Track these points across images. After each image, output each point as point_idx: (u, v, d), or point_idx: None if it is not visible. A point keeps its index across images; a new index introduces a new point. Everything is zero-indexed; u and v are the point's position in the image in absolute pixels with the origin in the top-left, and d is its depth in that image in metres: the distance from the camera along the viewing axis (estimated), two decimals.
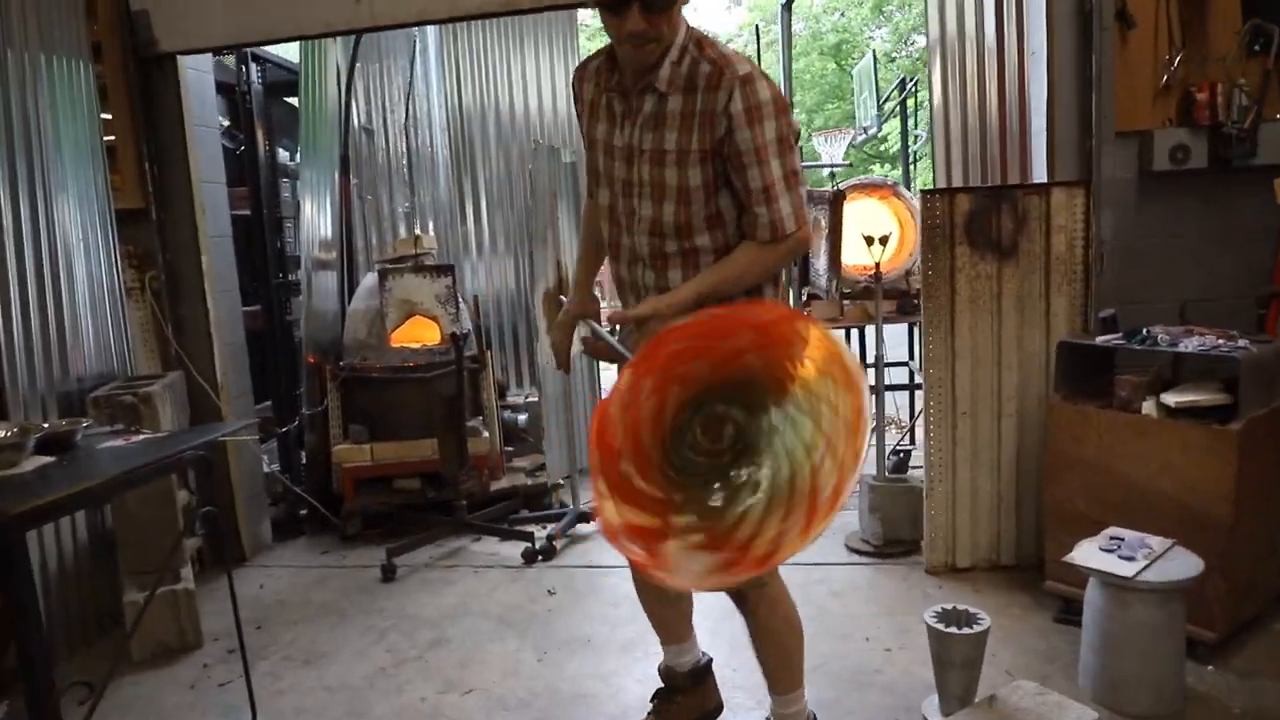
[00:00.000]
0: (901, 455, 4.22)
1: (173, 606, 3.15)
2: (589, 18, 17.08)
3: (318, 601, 3.59)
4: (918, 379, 4.80)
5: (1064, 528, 2.93)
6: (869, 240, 3.69)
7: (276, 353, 4.95)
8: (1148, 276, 3.32)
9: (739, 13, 19.81)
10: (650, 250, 1.98)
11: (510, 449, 4.94)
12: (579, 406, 4.77)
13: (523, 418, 5.02)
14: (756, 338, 1.36)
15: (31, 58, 3.13)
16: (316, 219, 4.70)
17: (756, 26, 11.96)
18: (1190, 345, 2.78)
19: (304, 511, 4.43)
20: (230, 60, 4.71)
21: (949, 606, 2.48)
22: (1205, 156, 3.19)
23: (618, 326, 1.98)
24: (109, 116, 3.62)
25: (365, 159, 5.04)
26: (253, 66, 4.65)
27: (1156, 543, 2.54)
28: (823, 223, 4.10)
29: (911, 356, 5.25)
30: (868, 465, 3.73)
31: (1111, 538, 2.59)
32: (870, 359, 3.93)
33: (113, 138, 3.62)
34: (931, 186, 3.64)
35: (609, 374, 6.14)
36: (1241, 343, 2.74)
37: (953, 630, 2.39)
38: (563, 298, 4.09)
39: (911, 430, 4.99)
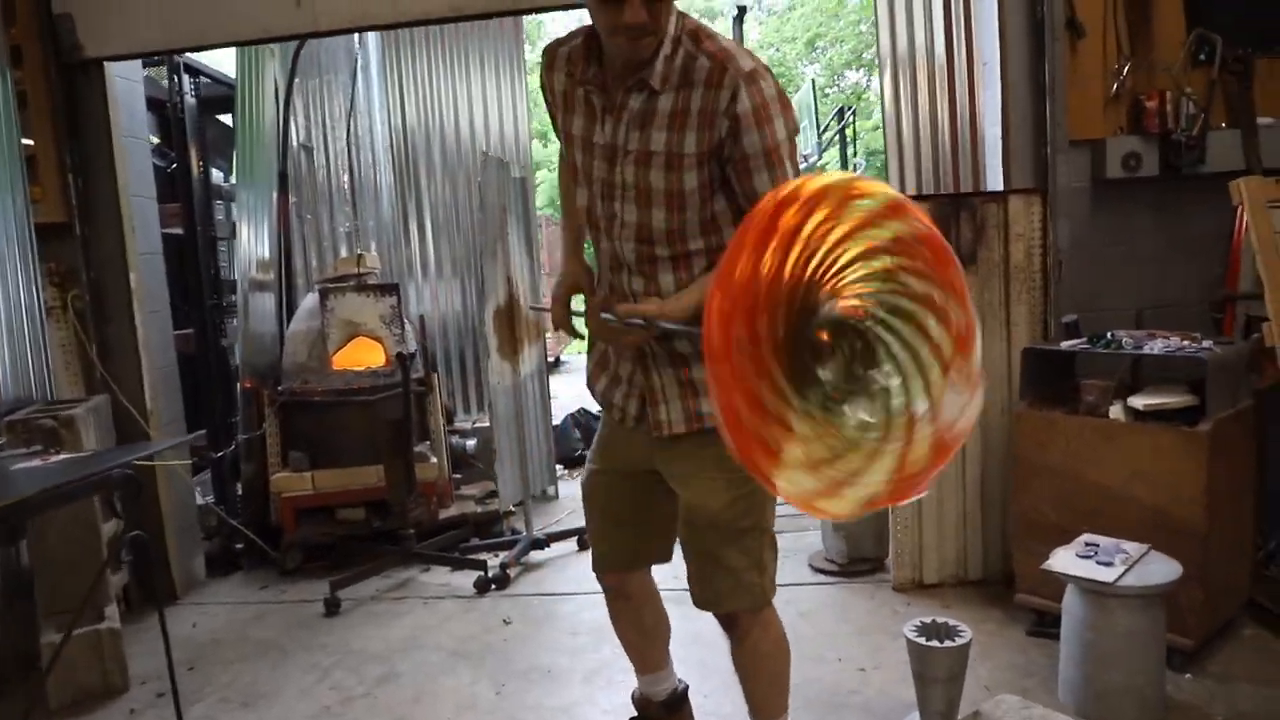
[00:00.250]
0: None
1: (96, 647, 2.90)
2: (539, 29, 17.14)
3: (256, 639, 3.36)
4: None
5: (1034, 538, 2.87)
6: None
7: (211, 379, 4.70)
8: (1104, 284, 3.33)
9: None
10: (637, 256, 1.80)
11: (459, 476, 4.76)
12: (530, 428, 4.62)
13: (471, 443, 4.85)
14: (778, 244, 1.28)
15: None
16: (253, 240, 4.51)
17: None
18: (1155, 348, 2.76)
19: (240, 545, 4.18)
20: (163, 74, 4.51)
21: (928, 620, 2.39)
22: (1156, 164, 3.21)
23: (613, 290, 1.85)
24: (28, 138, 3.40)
25: (305, 177, 4.86)
26: (185, 78, 4.44)
27: (1132, 548, 2.49)
28: None
29: None
30: None
31: (1087, 544, 2.54)
32: None
33: (31, 143, 3.39)
34: None
35: (562, 393, 6.00)
36: (1206, 343, 2.74)
37: (934, 644, 2.30)
38: (531, 306, 3.98)
39: None
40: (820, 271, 1.30)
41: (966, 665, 2.32)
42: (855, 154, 10.21)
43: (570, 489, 5.00)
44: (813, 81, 11.60)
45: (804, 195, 1.27)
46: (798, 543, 3.81)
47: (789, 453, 1.26)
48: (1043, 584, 2.80)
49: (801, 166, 1.80)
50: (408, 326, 4.36)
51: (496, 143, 5.05)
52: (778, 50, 19.95)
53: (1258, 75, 3.17)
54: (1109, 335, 2.92)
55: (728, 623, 1.96)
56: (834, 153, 11.09)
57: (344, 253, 4.82)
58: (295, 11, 3.33)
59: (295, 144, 4.76)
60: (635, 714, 2.31)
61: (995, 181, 3.45)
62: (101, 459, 2.18)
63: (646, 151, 1.72)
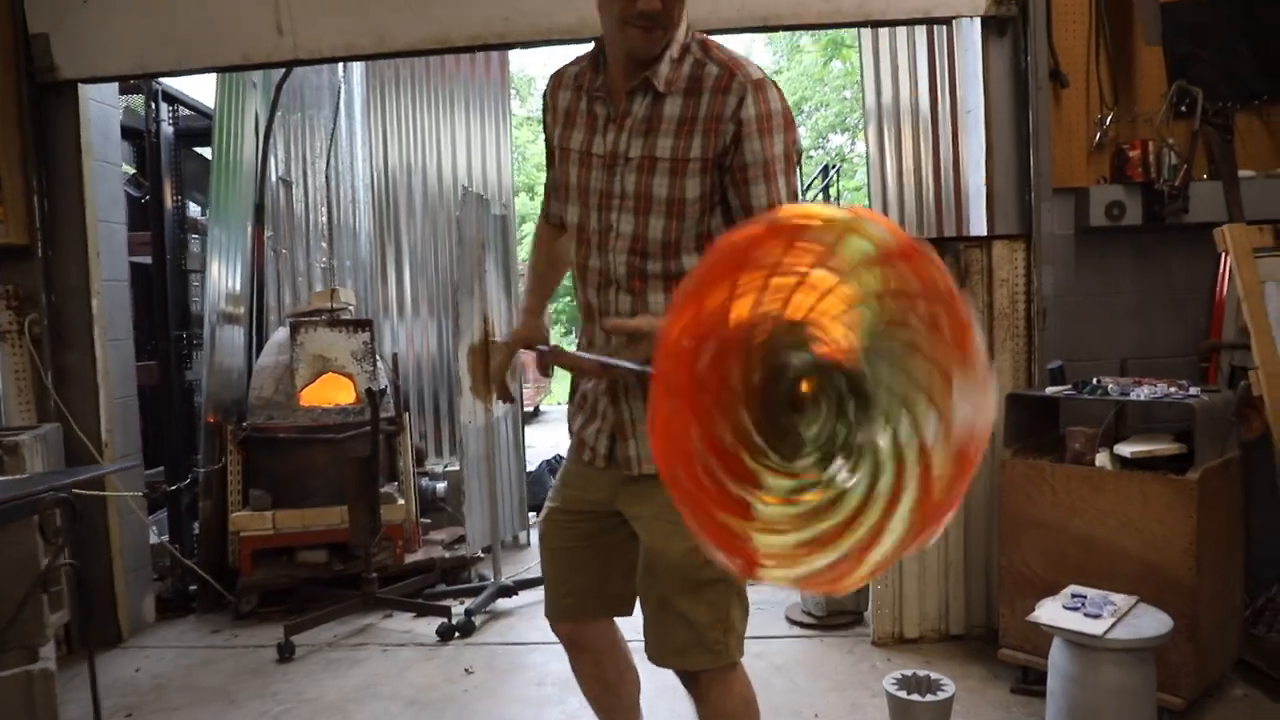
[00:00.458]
0: None
1: (26, 691, 2.70)
2: (530, 85, 17.26)
3: (203, 685, 3.18)
4: None
5: (1021, 593, 2.77)
6: None
7: (173, 414, 4.55)
8: (1088, 332, 3.28)
9: None
10: (627, 270, 1.73)
11: (427, 520, 4.61)
12: (502, 471, 4.49)
13: (441, 485, 4.71)
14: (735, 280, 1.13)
15: None
16: (224, 273, 4.41)
17: None
18: (1142, 394, 2.70)
19: (194, 587, 4.00)
20: (139, 102, 4.45)
21: (909, 673, 2.28)
22: (1140, 213, 3.19)
23: (591, 341, 1.77)
24: None
25: (282, 212, 4.79)
26: (164, 105, 4.38)
27: (1120, 599, 2.40)
28: None
29: None
30: None
31: (1074, 595, 2.44)
32: None
33: None
34: None
35: (539, 442, 5.85)
36: (1193, 390, 2.68)
37: (916, 698, 2.18)
38: (495, 338, 3.88)
39: None
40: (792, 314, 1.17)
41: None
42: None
43: None
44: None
45: (788, 227, 1.17)
46: (774, 594, 3.69)
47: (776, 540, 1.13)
48: (1028, 639, 2.70)
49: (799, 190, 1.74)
50: (380, 363, 4.26)
51: (479, 186, 5.01)
52: None
53: (1238, 129, 3.18)
54: (1095, 381, 2.86)
55: (687, 680, 1.84)
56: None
57: (319, 287, 4.74)
58: (277, 39, 3.30)
59: (274, 177, 4.70)
60: None
61: (979, 229, 3.43)
62: (34, 482, 2.05)
63: (651, 158, 1.69)
